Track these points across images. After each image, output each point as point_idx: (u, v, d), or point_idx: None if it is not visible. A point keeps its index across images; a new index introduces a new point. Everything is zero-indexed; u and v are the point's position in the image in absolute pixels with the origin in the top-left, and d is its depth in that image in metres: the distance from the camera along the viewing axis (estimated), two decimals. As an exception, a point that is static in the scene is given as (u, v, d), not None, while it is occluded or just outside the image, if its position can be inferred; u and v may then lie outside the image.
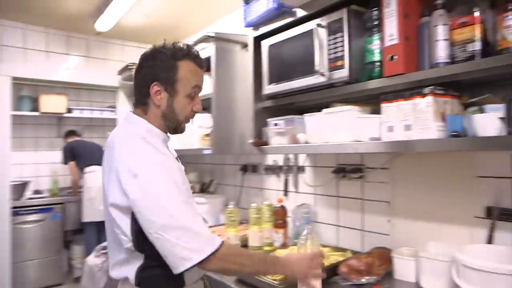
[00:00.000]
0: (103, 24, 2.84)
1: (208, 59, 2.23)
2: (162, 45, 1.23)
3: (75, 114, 4.37)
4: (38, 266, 3.70)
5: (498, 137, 1.08)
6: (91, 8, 2.67)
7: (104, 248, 3.06)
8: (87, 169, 3.97)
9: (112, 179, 1.11)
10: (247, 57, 2.02)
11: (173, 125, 1.24)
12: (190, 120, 1.28)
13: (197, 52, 1.25)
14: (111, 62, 3.39)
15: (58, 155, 4.11)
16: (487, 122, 1.12)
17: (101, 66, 3.36)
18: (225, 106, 2.21)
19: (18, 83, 3.09)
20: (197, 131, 2.36)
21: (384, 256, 1.49)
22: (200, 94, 1.27)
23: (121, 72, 3.26)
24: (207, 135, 2.31)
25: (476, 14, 1.13)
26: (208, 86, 2.31)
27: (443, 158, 1.51)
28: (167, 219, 1.04)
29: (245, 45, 2.26)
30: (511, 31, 1.06)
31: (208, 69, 2.26)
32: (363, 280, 1.34)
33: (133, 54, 3.47)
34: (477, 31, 1.12)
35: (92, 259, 3.06)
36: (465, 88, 1.30)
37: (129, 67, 3.08)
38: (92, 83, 3.49)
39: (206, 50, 2.26)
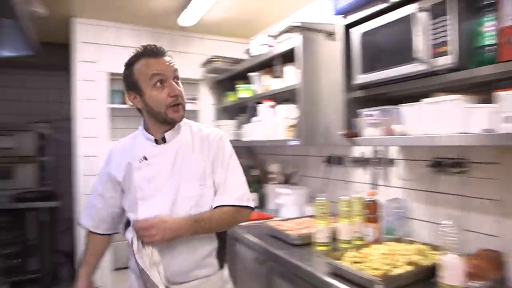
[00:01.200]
0: (186, 19, 2.95)
1: (291, 50, 2.21)
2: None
3: (159, 106, 4.63)
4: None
5: None
6: (176, 5, 2.78)
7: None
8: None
9: None
10: (333, 46, 1.96)
11: (160, 118, 1.35)
12: (178, 105, 1.34)
13: (149, 47, 1.37)
14: (193, 56, 3.52)
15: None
16: None
17: (184, 59, 3.50)
18: (310, 96, 2.18)
19: (112, 78, 3.32)
20: (282, 122, 2.36)
21: (494, 259, 1.36)
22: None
23: (204, 65, 3.37)
24: (292, 126, 2.29)
25: None
26: (293, 76, 2.29)
27: None
28: None
29: (330, 34, 2.19)
30: None
31: (292, 60, 2.25)
32: (476, 284, 1.23)
33: (213, 47, 3.56)
34: None
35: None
36: None
37: (212, 60, 3.16)
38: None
39: (291, 41, 2.24)
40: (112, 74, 3.24)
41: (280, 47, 2.38)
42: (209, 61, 3.26)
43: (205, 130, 1.47)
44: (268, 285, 1.89)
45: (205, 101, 3.62)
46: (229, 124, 3.27)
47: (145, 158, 1.38)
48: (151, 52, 1.34)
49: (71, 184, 3.19)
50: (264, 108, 2.65)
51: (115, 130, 3.59)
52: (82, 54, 3.11)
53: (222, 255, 1.46)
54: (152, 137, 1.40)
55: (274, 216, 2.56)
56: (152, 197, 1.35)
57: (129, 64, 1.37)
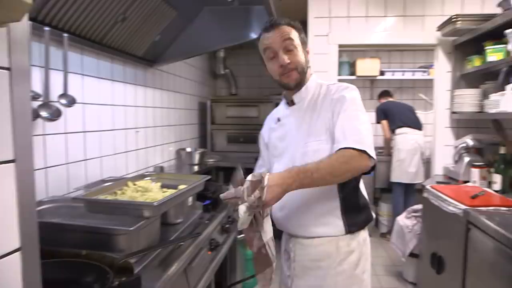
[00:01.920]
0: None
1: None
2: None
3: (387, 76, 4.46)
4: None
5: None
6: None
7: (416, 211, 3.05)
8: (397, 130, 4.02)
9: None
10: None
11: (280, 84, 1.44)
12: (289, 72, 1.37)
13: (269, 20, 1.40)
14: (430, 18, 3.17)
15: (371, 116, 4.33)
16: None
17: (418, 24, 3.21)
18: None
19: (340, 50, 3.40)
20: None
21: None
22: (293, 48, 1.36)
23: (441, 27, 2.99)
24: None
25: None
26: None
27: None
28: None
29: None
30: None
31: None
32: None
33: (454, 5, 3.11)
34: None
35: (403, 220, 3.13)
36: None
37: (453, 19, 2.77)
38: (406, 43, 3.41)
39: None
40: (341, 46, 3.31)
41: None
42: (449, 22, 2.86)
43: (332, 87, 1.44)
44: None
45: (440, 69, 3.23)
46: (470, 94, 2.83)
47: (279, 120, 1.52)
48: (265, 27, 1.41)
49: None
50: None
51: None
52: (315, 29, 3.30)
53: (352, 219, 1.37)
54: (285, 100, 1.54)
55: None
56: (282, 154, 1.46)
57: (257, 40, 1.47)
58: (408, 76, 4.45)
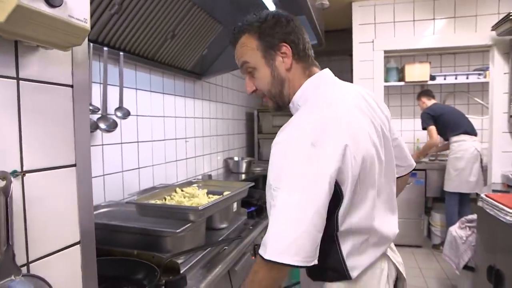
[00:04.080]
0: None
1: None
2: None
3: (438, 81, 4.29)
4: (402, 225, 4.01)
5: None
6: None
7: (470, 221, 2.89)
8: (454, 138, 3.82)
9: None
10: None
11: None
12: (264, 100, 1.13)
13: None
14: (483, 18, 3.03)
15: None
16: None
17: (470, 24, 3.08)
18: None
19: (387, 56, 3.34)
20: None
21: None
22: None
23: (496, 26, 2.85)
24: None
25: None
26: None
27: None
28: None
29: None
30: None
31: None
32: None
33: (511, 3, 2.95)
34: None
35: (456, 230, 2.98)
36: None
37: (510, 17, 2.62)
38: (458, 45, 3.27)
39: None
40: (386, 51, 3.26)
41: None
42: (505, 20, 2.72)
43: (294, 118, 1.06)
44: None
45: (496, 71, 3.07)
46: (529, 96, 2.66)
47: None
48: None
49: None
50: None
51: (390, 108, 3.61)
52: (360, 36, 3.28)
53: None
54: None
55: None
56: None
57: None
58: (461, 79, 4.24)
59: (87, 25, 0.63)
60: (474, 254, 2.72)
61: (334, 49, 4.20)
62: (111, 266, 1.07)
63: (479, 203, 2.48)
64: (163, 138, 2.25)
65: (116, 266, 1.09)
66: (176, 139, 2.42)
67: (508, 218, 2.04)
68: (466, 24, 3.10)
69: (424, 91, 4.12)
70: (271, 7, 2.28)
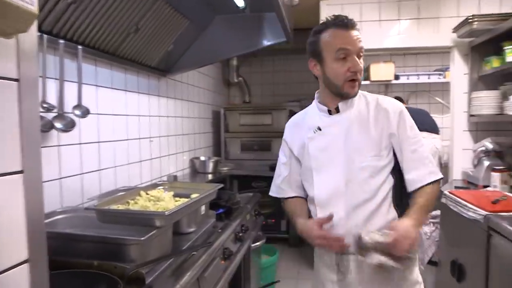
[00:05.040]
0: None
1: None
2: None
3: (402, 80, 4.39)
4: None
5: None
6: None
7: (434, 217, 2.97)
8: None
9: None
10: None
11: (334, 90, 1.33)
12: (354, 81, 1.30)
13: (343, 17, 1.31)
14: (445, 20, 3.12)
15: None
16: None
17: (432, 26, 3.15)
18: None
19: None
20: None
21: None
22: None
23: (457, 28, 2.93)
24: None
25: None
26: None
27: None
28: None
29: None
30: None
31: None
32: None
33: (469, 5, 3.05)
34: None
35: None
36: None
37: (469, 20, 2.71)
38: (421, 45, 3.35)
39: None
40: (354, 50, 3.28)
41: None
42: (465, 23, 2.80)
43: (383, 101, 1.40)
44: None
45: (457, 71, 3.17)
46: (489, 96, 2.76)
47: (319, 129, 1.39)
48: (341, 23, 1.30)
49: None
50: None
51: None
52: (327, 35, 3.28)
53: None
54: (326, 108, 1.40)
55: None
56: (326, 167, 1.36)
57: (317, 32, 1.35)
58: (423, 79, 4.36)
59: (34, 8, 0.54)
60: (437, 249, 2.79)
61: (303, 47, 4.20)
62: (68, 280, 0.97)
63: (443, 200, 2.55)
64: (126, 138, 2.13)
65: (73, 279, 0.99)
66: (140, 138, 2.30)
67: (470, 213, 2.10)
68: (429, 26, 3.18)
69: (395, 98, 4.24)
70: (240, 3, 2.22)
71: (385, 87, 4.69)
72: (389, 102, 1.41)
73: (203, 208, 1.71)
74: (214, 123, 4.10)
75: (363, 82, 4.30)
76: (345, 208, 1.32)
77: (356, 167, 1.32)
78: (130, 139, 2.17)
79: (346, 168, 1.33)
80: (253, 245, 2.16)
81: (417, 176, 1.34)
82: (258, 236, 2.31)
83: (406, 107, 4.43)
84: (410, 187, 1.35)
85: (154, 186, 1.68)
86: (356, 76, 1.30)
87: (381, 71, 4.28)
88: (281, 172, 1.52)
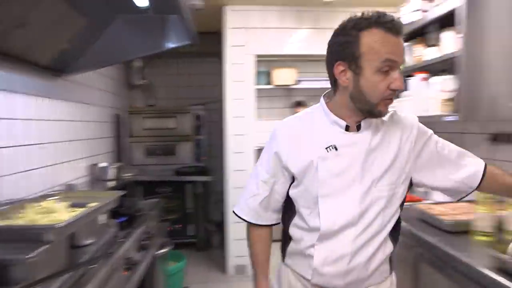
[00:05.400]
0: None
1: (451, 13, 1.92)
2: (350, 17, 1.09)
3: (303, 85, 4.68)
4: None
5: None
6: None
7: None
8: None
9: None
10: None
11: (365, 107, 1.08)
12: (391, 100, 1.08)
13: (391, 17, 1.03)
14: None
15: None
16: None
17: (329, 35, 3.43)
18: (473, 64, 1.86)
19: (259, 60, 3.50)
20: (437, 96, 2.10)
21: None
22: (408, 64, 1.16)
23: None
24: (449, 99, 2.02)
25: None
26: (451, 44, 2.00)
27: None
28: None
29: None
30: None
31: (450, 25, 1.96)
32: None
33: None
34: None
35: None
36: None
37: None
38: (319, 53, 3.62)
39: (450, 1, 1.95)
40: (258, 56, 3.41)
41: (437, 10, 2.11)
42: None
43: (399, 116, 1.21)
44: (415, 271, 1.76)
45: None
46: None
47: (335, 148, 1.13)
48: (391, 26, 1.02)
49: (222, 161, 3.53)
50: (415, 81, 2.40)
51: (260, 110, 3.79)
52: (232, 39, 3.35)
53: (392, 259, 1.26)
54: (343, 123, 1.14)
55: (423, 199, 2.35)
56: (337, 194, 1.13)
57: (356, 28, 1.05)
58: (323, 84, 4.71)
59: None
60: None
61: (206, 51, 4.21)
62: None
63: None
64: (11, 145, 1.91)
65: None
66: (28, 145, 2.08)
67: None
68: (326, 35, 3.44)
69: (297, 102, 4.53)
70: (144, 3, 2.14)
71: (287, 91, 4.95)
72: (406, 116, 1.23)
73: (102, 217, 1.61)
74: (115, 127, 3.89)
75: (265, 86, 4.50)
76: (353, 244, 1.13)
77: (374, 196, 1.13)
78: (16, 146, 1.95)
79: (363, 199, 1.13)
80: (158, 252, 2.11)
81: (473, 164, 1.21)
82: (164, 243, 2.26)
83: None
84: (474, 182, 1.20)
85: (44, 197, 1.54)
86: (395, 95, 1.08)
87: (283, 76, 4.50)
88: (259, 191, 1.25)
